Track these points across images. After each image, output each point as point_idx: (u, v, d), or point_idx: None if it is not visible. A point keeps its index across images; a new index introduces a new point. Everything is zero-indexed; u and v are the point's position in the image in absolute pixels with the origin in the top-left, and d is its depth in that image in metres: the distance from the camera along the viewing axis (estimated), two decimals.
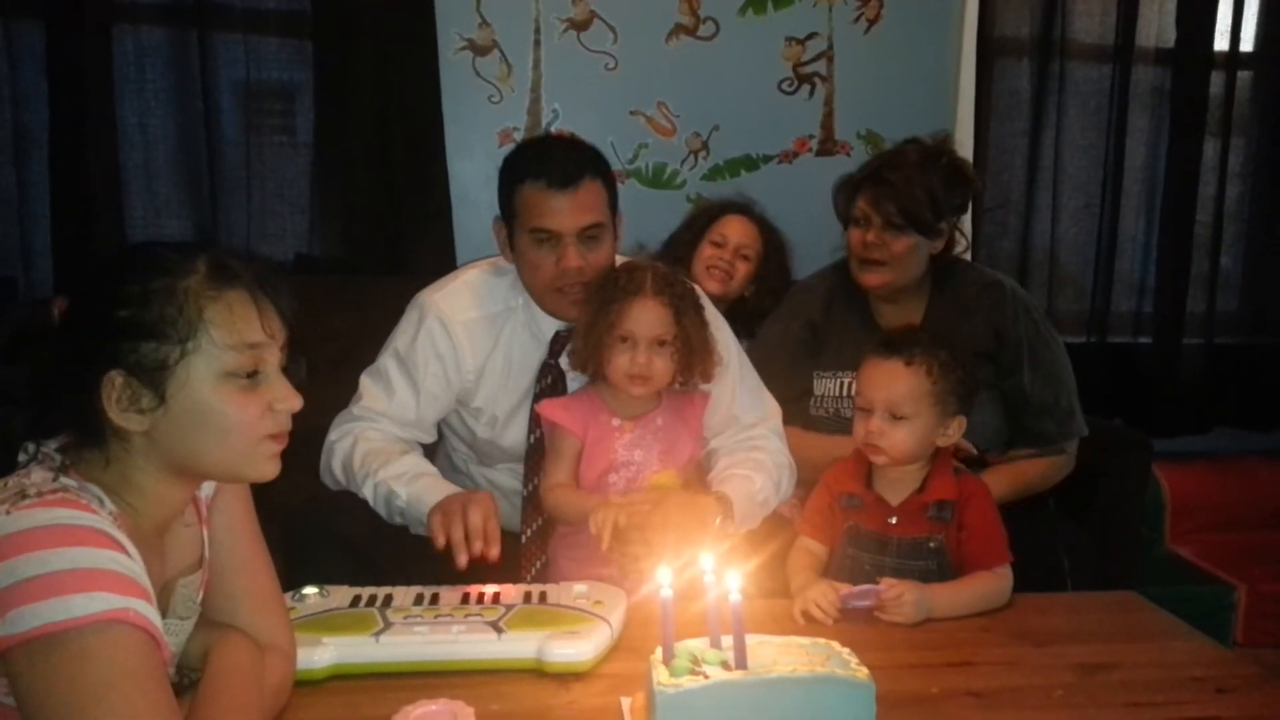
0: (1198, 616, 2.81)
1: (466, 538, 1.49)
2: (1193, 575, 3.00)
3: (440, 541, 1.51)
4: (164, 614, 1.06)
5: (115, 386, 0.99)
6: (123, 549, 0.94)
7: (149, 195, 2.83)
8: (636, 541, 1.57)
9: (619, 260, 1.80)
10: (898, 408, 1.55)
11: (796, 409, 2.09)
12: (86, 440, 1.01)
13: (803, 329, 2.19)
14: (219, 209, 2.83)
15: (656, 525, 1.56)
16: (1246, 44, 3.21)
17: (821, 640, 1.21)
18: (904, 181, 2.03)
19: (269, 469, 1.07)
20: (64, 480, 0.97)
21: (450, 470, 1.96)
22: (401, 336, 1.83)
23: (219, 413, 1.02)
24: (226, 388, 1.02)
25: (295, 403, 1.07)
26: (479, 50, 2.90)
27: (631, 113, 2.98)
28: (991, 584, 1.54)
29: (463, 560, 1.48)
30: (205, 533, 1.16)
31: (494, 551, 1.50)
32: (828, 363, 2.13)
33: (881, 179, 2.05)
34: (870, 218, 2.06)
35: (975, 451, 1.96)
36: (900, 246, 2.05)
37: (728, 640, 1.16)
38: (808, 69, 3.03)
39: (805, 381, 2.15)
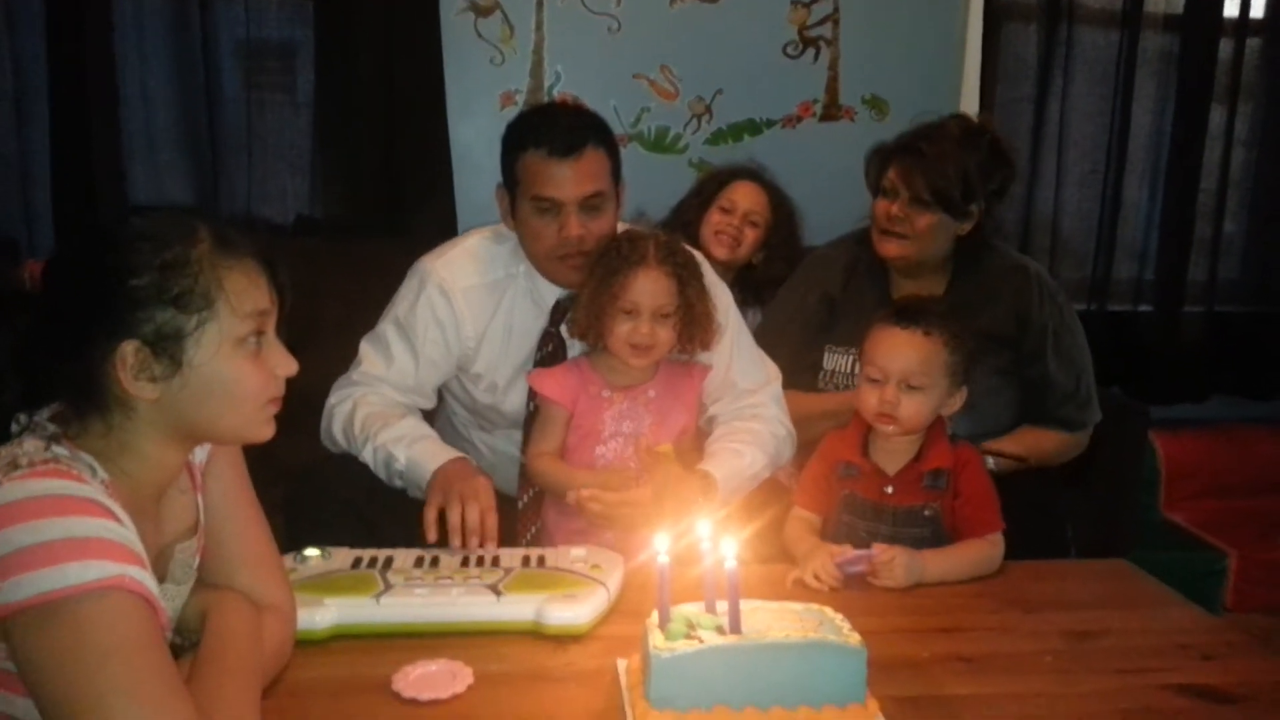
0: (1189, 582, 2.86)
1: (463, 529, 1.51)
2: (1186, 541, 3.04)
3: (432, 537, 1.51)
4: (161, 580, 1.08)
5: (128, 355, 0.99)
6: (115, 517, 0.95)
7: (150, 156, 2.84)
8: (619, 517, 1.59)
9: (621, 228, 1.80)
10: (914, 378, 1.55)
11: (803, 381, 2.08)
12: (87, 408, 1.02)
13: (819, 302, 2.15)
14: (220, 170, 2.84)
15: (639, 501, 1.58)
16: (1257, 10, 3.19)
17: (815, 606, 1.23)
18: (938, 157, 1.96)
19: (269, 431, 1.10)
20: (56, 450, 0.98)
21: (451, 435, 1.97)
22: (402, 303, 1.84)
23: (231, 379, 1.04)
24: (238, 355, 1.04)
25: (293, 367, 1.10)
26: (481, 11, 2.88)
27: (634, 76, 2.96)
28: (983, 551, 1.56)
29: (456, 542, 1.50)
30: (200, 498, 1.17)
31: (490, 547, 1.51)
32: (841, 338, 2.09)
33: (916, 151, 1.98)
34: (898, 190, 2.00)
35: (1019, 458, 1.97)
36: (924, 223, 1.99)
37: (723, 605, 1.17)
38: (813, 32, 3.01)
39: (815, 355, 2.12)
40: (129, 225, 1.03)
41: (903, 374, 1.55)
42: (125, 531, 0.95)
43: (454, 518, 1.51)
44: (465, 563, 1.45)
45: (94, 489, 0.96)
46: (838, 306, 2.14)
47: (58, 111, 2.68)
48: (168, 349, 1.00)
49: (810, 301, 2.17)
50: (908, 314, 1.59)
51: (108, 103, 2.74)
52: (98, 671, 0.89)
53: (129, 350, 0.99)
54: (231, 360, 1.03)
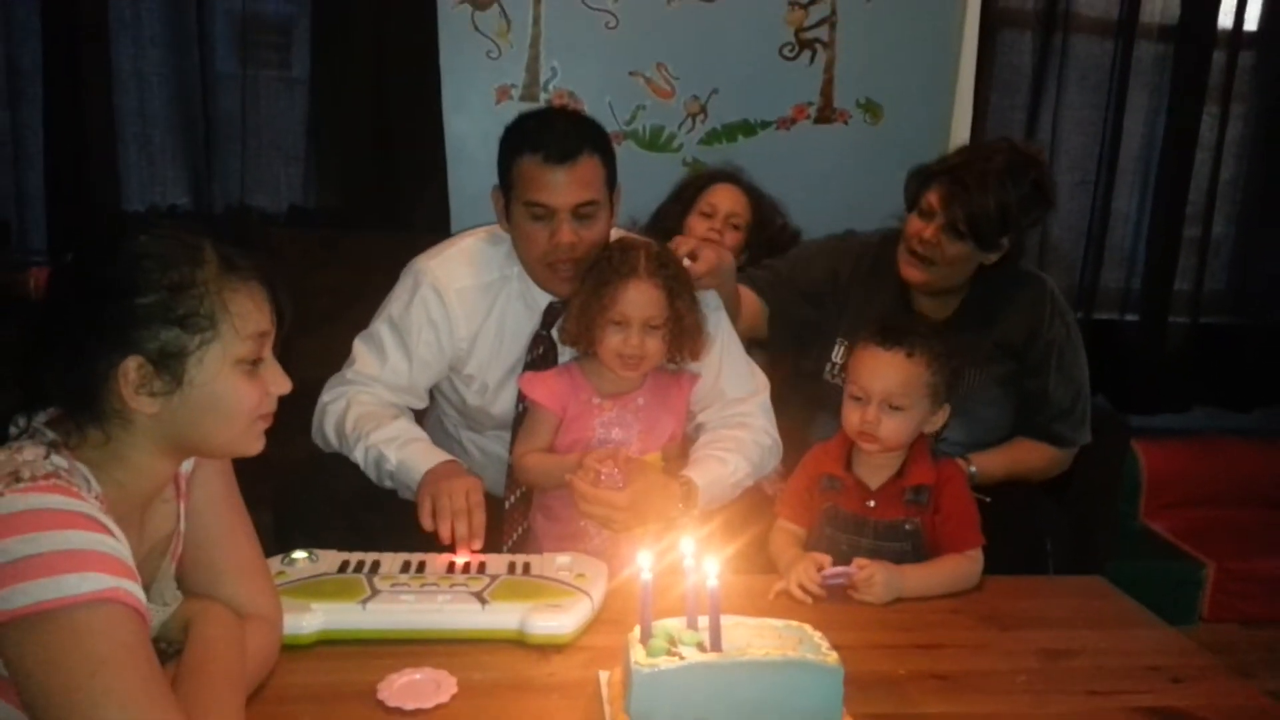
0: (1167, 591, 2.93)
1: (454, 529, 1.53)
2: (1164, 551, 3.08)
3: (428, 526, 1.54)
4: (147, 597, 1.09)
5: (131, 371, 1.01)
6: (110, 532, 0.98)
7: (143, 141, 2.83)
8: (602, 515, 1.62)
9: (615, 233, 1.81)
10: (896, 398, 1.58)
11: (783, 338, 2.15)
12: (86, 418, 1.04)
13: (833, 298, 2.15)
14: (213, 158, 2.83)
15: (622, 504, 1.60)
16: (1251, 23, 3.20)
17: (795, 623, 1.25)
18: (980, 189, 1.91)
19: (258, 445, 1.14)
20: (55, 460, 1.00)
21: (441, 435, 1.98)
22: (396, 303, 1.85)
23: (229, 398, 1.06)
24: (236, 374, 1.07)
25: (287, 386, 1.13)
26: (478, 4, 2.86)
27: (631, 73, 2.96)
28: (962, 566, 1.59)
29: (445, 532, 1.53)
30: (182, 507, 1.19)
31: (477, 545, 1.53)
32: (849, 330, 2.09)
33: (958, 179, 1.94)
34: (935, 213, 1.97)
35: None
36: (954, 252, 1.97)
37: (704, 621, 1.19)
38: (810, 34, 3.01)
39: (802, 310, 2.16)
40: (137, 242, 1.04)
41: (884, 394, 1.57)
42: (119, 545, 0.98)
43: (446, 530, 1.53)
44: (451, 569, 1.47)
45: (90, 505, 0.97)
46: (844, 293, 2.14)
47: (51, 94, 2.67)
48: (170, 366, 1.03)
49: (818, 278, 2.18)
50: (892, 334, 1.60)
51: (101, 84, 2.72)
52: (90, 680, 0.91)
53: (132, 366, 1.01)
54: (230, 379, 1.06)
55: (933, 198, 1.98)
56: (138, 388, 1.02)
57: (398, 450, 1.71)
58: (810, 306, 2.18)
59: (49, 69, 2.66)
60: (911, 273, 2.04)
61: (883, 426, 1.57)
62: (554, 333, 1.82)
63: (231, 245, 1.09)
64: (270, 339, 1.10)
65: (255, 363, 1.08)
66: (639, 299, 1.65)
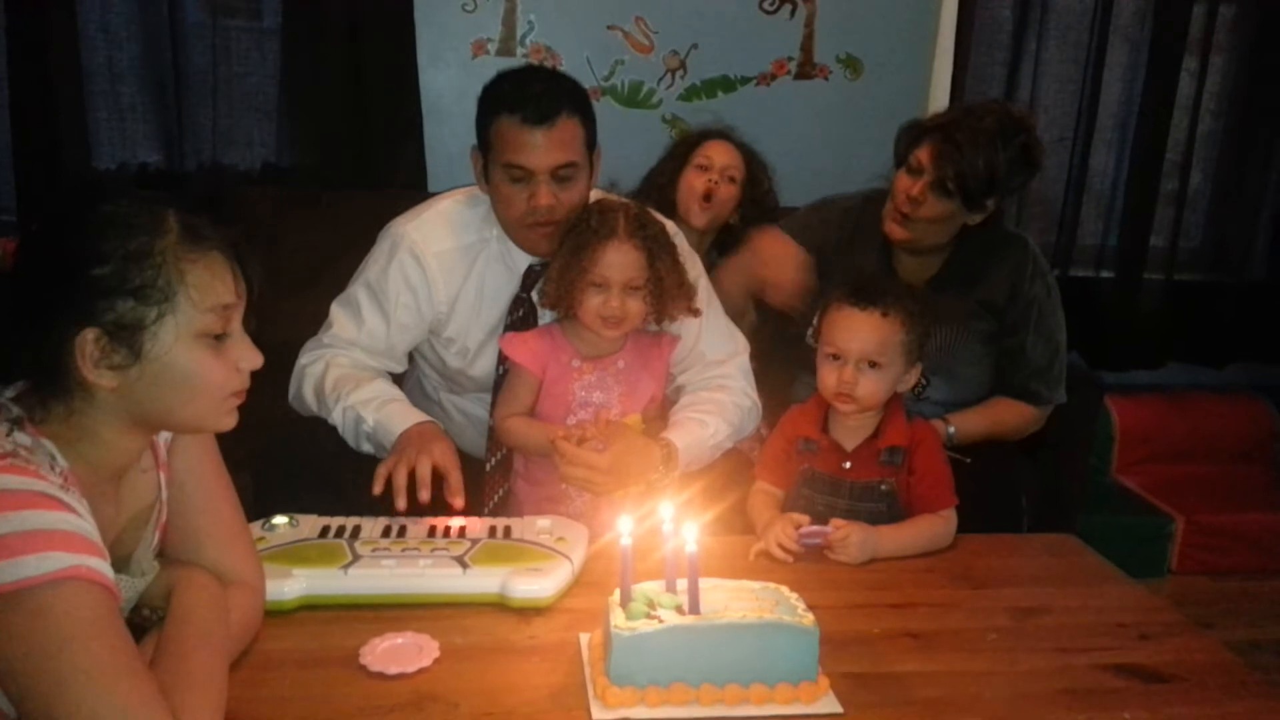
0: (1136, 544, 2.99)
1: (413, 484, 1.51)
2: (1135, 505, 3.13)
3: (378, 489, 1.52)
4: (124, 568, 1.10)
5: (88, 343, 1.00)
6: (73, 510, 0.96)
7: (113, 98, 2.79)
8: (575, 477, 1.63)
9: (594, 195, 1.80)
10: (872, 358, 1.59)
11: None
12: (50, 392, 1.02)
13: (820, 264, 2.13)
14: (184, 115, 2.78)
15: (603, 466, 1.62)
16: None
17: (772, 585, 1.27)
18: (971, 147, 1.92)
19: (230, 421, 1.12)
20: (18, 437, 0.99)
21: (421, 397, 1.98)
22: (373, 266, 1.84)
23: (191, 373, 1.04)
24: (198, 348, 1.04)
25: (258, 361, 1.10)
26: None
27: (609, 27, 2.93)
28: (936, 526, 1.61)
29: (401, 504, 1.51)
30: (162, 476, 1.18)
31: (457, 503, 1.53)
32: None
33: (950, 137, 1.94)
34: (924, 170, 1.97)
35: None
36: (940, 210, 1.98)
37: (683, 584, 1.21)
38: None
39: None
40: (97, 211, 1.02)
41: (861, 354, 1.59)
42: (82, 523, 0.97)
43: (400, 478, 1.51)
44: (432, 533, 1.48)
45: (52, 484, 0.96)
46: (831, 264, 2.13)
47: (15, 52, 2.61)
48: (127, 339, 1.01)
49: (807, 234, 2.17)
50: (865, 294, 1.61)
51: (68, 40, 2.66)
52: (57, 657, 0.91)
53: (89, 338, 1.00)
54: (191, 353, 1.04)
55: (923, 154, 1.98)
56: (96, 361, 1.00)
57: (375, 411, 1.71)
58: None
59: (12, 26, 2.59)
60: (895, 230, 2.04)
61: (860, 386, 1.59)
62: (534, 294, 1.81)
63: (201, 214, 1.06)
64: (236, 311, 1.07)
65: (220, 336, 1.06)
66: (619, 260, 1.65)
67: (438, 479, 1.55)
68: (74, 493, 0.98)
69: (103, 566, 0.96)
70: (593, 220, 1.68)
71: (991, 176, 1.94)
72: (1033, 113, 3.09)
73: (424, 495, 1.51)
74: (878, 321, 1.59)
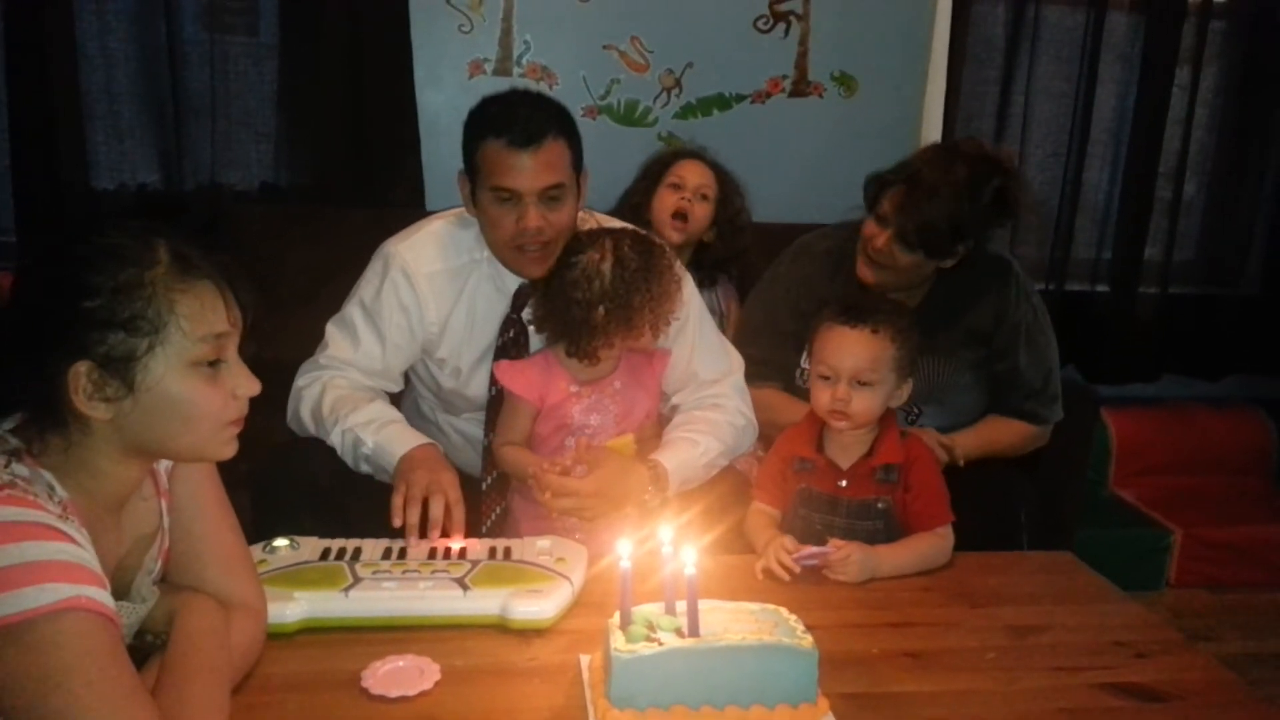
0: (1135, 558, 3.00)
1: (424, 521, 1.53)
2: (1133, 518, 3.14)
3: (397, 523, 1.54)
4: (125, 595, 1.10)
5: (81, 376, 1.00)
6: (73, 540, 0.96)
7: (111, 118, 2.80)
8: (571, 506, 1.64)
9: (582, 217, 1.81)
10: (864, 375, 1.60)
11: (782, 374, 2.11)
12: (47, 425, 1.02)
13: (811, 306, 2.03)
14: (183, 136, 2.79)
15: (589, 491, 1.62)
16: None
17: (770, 606, 1.27)
18: (933, 200, 1.87)
19: (229, 451, 1.12)
20: (15, 468, 0.99)
21: (417, 417, 1.99)
22: (367, 287, 1.84)
23: (186, 402, 1.04)
24: (192, 378, 1.04)
25: (255, 388, 1.10)
26: None
27: (604, 46, 2.95)
28: (934, 544, 1.62)
29: (413, 544, 1.52)
30: (164, 504, 1.19)
31: (457, 538, 1.54)
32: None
33: (914, 188, 1.90)
34: (888, 220, 1.94)
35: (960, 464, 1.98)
36: (906, 261, 1.96)
37: (682, 605, 1.22)
38: (784, 6, 3.00)
39: (795, 355, 2.13)
40: (90, 243, 1.02)
41: (853, 372, 1.60)
42: (82, 552, 0.97)
43: (414, 516, 1.53)
44: (432, 555, 1.48)
45: (50, 514, 0.96)
46: (826, 302, 2.09)
47: (14, 72, 2.62)
48: (119, 371, 1.01)
49: (795, 295, 2.14)
50: (855, 312, 1.63)
51: (67, 62, 2.67)
52: (58, 689, 0.91)
53: (82, 370, 1.00)
54: (185, 382, 1.04)
55: (887, 205, 1.96)
56: (90, 394, 1.00)
57: (374, 433, 1.71)
58: (795, 322, 2.14)
59: (11, 46, 2.61)
60: (867, 274, 2.04)
61: (853, 404, 1.60)
62: (525, 315, 1.82)
63: (194, 242, 1.06)
64: (230, 340, 1.08)
65: (215, 364, 1.06)
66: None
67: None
68: (74, 522, 0.98)
69: (103, 596, 0.96)
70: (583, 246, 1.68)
71: (956, 230, 1.90)
72: (1025, 127, 3.12)
73: (434, 536, 1.52)
74: (868, 339, 1.60)
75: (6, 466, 0.98)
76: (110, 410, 1.02)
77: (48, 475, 1.01)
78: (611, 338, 1.68)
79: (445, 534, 1.53)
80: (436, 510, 1.53)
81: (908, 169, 1.97)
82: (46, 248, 1.06)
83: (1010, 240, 3.18)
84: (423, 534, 1.53)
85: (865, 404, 1.61)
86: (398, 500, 1.56)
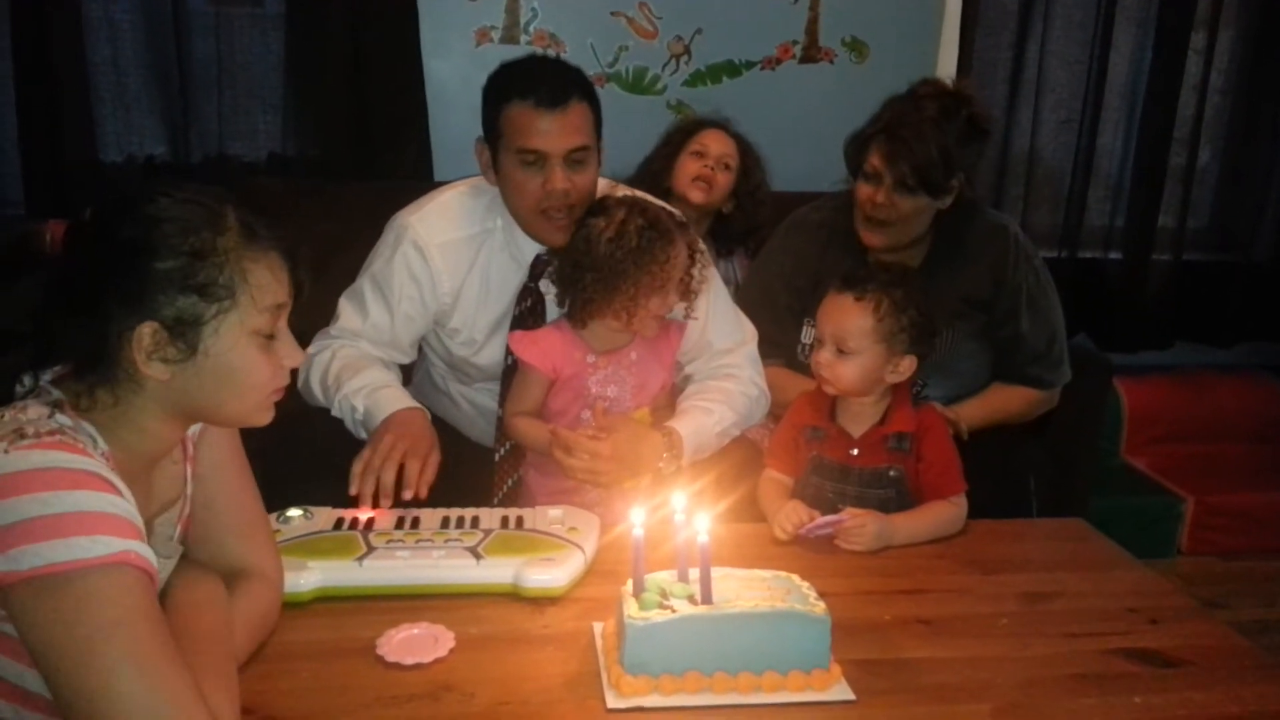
0: (1146, 525, 2.99)
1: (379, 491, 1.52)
2: (1145, 486, 3.14)
3: (353, 490, 1.53)
4: None
5: (146, 337, 1.00)
6: (118, 491, 0.96)
7: (118, 90, 2.79)
8: (587, 467, 1.64)
9: (601, 183, 1.80)
10: (843, 342, 1.60)
11: (783, 350, 2.10)
12: (97, 380, 1.02)
13: (800, 271, 2.13)
14: (190, 108, 2.78)
15: (606, 454, 1.63)
16: None
17: (783, 573, 1.28)
18: (918, 139, 1.91)
19: (268, 417, 1.13)
20: (59, 418, 0.99)
21: (429, 387, 1.99)
22: (378, 259, 1.84)
23: (241, 370, 1.05)
24: (251, 346, 1.05)
25: (299, 358, 1.12)
26: None
27: (612, 13, 2.92)
28: (947, 512, 1.61)
29: (365, 507, 1.51)
30: (189, 469, 1.19)
31: (406, 495, 1.53)
32: (815, 310, 2.06)
33: (896, 136, 1.94)
34: (881, 175, 1.96)
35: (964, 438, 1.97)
36: (909, 207, 1.98)
37: (695, 573, 1.22)
38: None
39: (795, 331, 2.13)
40: (158, 204, 1.01)
41: (834, 337, 1.60)
42: (128, 505, 0.97)
43: (368, 486, 1.52)
44: (445, 524, 1.48)
45: (97, 463, 0.96)
46: (820, 278, 2.09)
47: (19, 44, 2.61)
48: (185, 334, 1.01)
49: (789, 270, 2.15)
50: (851, 280, 1.62)
51: (72, 32, 2.67)
52: (105, 644, 0.91)
53: (147, 331, 1.00)
54: (245, 351, 1.04)
55: (875, 160, 1.98)
56: (150, 354, 1.01)
57: (365, 399, 1.71)
58: (791, 297, 2.16)
59: (17, 20, 2.60)
60: (872, 238, 2.04)
61: (831, 369, 1.60)
62: (542, 284, 1.82)
63: (256, 214, 1.06)
64: (286, 311, 1.08)
65: (270, 336, 1.06)
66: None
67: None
68: (116, 475, 0.98)
69: (147, 551, 0.96)
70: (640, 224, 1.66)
71: (947, 159, 1.94)
72: (1038, 94, 3.09)
73: (385, 504, 1.52)
74: (849, 305, 1.60)
75: (50, 416, 0.98)
76: (168, 371, 1.02)
77: (89, 427, 1.01)
78: (596, 308, 1.68)
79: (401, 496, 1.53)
80: (387, 477, 1.52)
81: (880, 122, 2.00)
82: (111, 204, 1.04)
83: (1024, 206, 3.17)
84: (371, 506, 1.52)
85: (842, 370, 1.60)
86: (356, 467, 1.55)
